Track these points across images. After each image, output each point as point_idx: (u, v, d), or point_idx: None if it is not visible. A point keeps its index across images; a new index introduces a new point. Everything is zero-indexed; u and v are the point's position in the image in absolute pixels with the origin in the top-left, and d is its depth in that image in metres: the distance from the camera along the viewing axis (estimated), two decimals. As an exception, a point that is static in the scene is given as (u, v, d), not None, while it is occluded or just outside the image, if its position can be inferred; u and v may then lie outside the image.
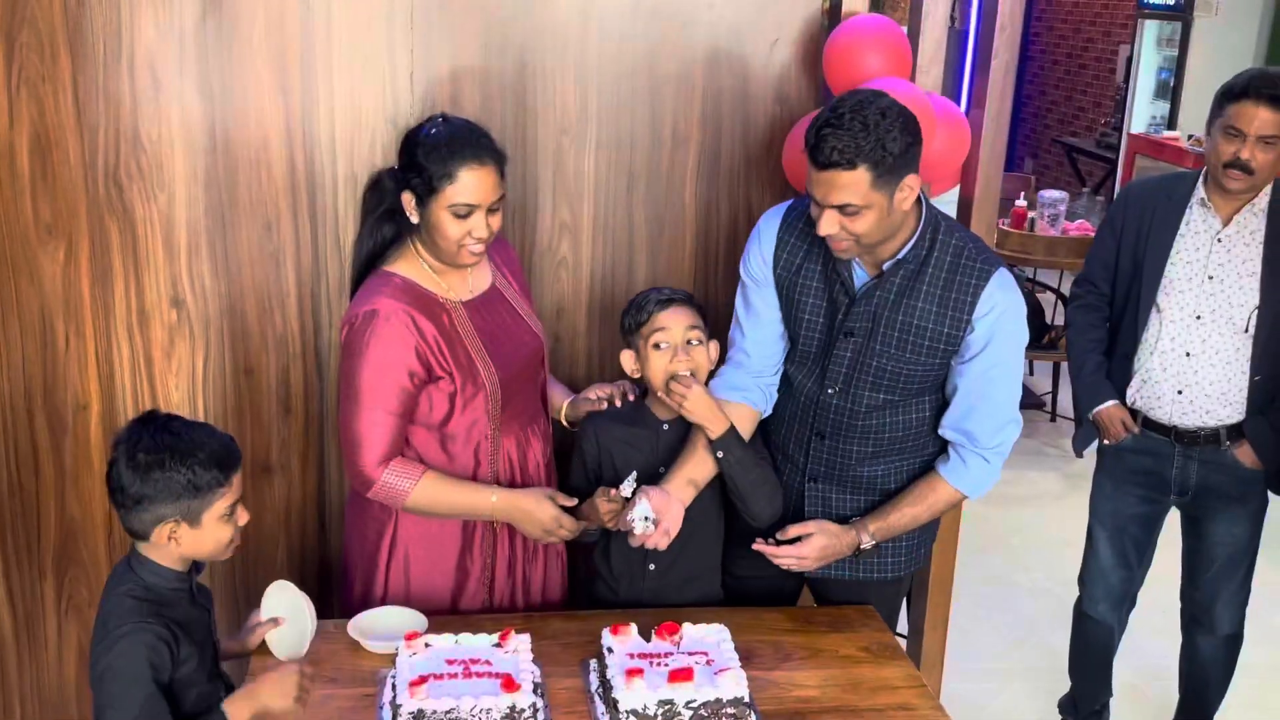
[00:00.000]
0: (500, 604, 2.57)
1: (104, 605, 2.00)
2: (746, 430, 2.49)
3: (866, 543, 2.43)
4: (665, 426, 2.55)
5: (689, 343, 2.45)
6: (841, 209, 2.19)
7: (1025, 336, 2.39)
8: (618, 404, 2.61)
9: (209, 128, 2.71)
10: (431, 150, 2.29)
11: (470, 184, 2.28)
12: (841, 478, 2.48)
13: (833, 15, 2.89)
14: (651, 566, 2.54)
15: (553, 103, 2.84)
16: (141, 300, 2.78)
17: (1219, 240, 2.92)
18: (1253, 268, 2.89)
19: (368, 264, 2.43)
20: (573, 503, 2.44)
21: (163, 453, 1.94)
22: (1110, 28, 9.77)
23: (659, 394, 2.49)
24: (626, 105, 2.88)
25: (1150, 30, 8.81)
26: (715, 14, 2.86)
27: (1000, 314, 2.30)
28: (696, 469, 2.43)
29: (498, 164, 2.32)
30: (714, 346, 2.52)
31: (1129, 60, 8.97)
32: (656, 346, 2.45)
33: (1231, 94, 2.84)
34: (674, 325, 2.45)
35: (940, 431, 2.43)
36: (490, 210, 2.32)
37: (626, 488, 2.37)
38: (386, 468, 2.35)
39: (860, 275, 2.37)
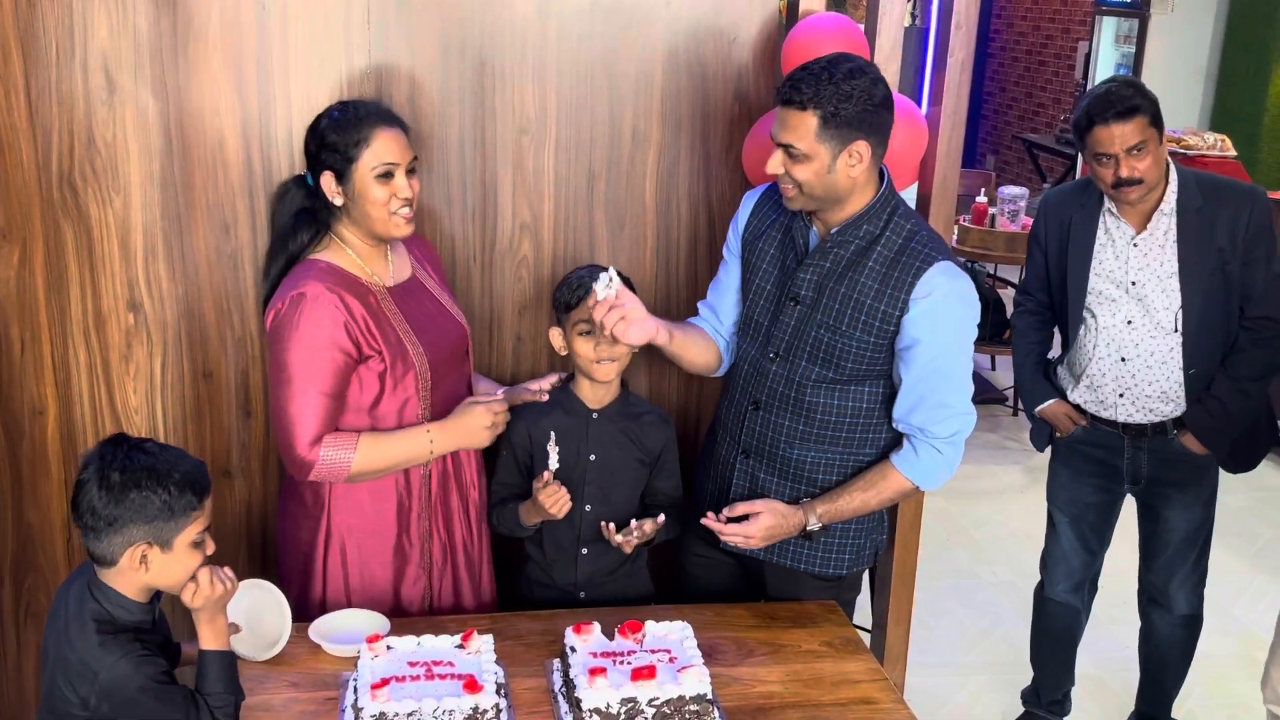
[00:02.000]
0: (441, 587, 2.57)
1: (68, 632, 1.92)
2: (702, 359, 2.59)
3: (813, 524, 2.43)
4: (594, 415, 2.57)
5: None
6: (788, 150, 2.26)
7: (971, 329, 2.37)
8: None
9: (164, 129, 2.69)
10: (341, 124, 2.35)
11: (385, 144, 2.36)
12: (771, 456, 2.48)
13: (790, 14, 2.91)
14: (584, 550, 2.57)
15: (511, 102, 2.84)
16: (98, 304, 2.75)
17: (1134, 245, 2.96)
18: (1171, 269, 2.93)
19: (286, 269, 2.42)
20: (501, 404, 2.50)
21: (138, 473, 1.90)
22: (1069, 24, 9.86)
23: (583, 376, 2.55)
24: (586, 104, 2.88)
25: (1108, 27, 8.91)
26: (673, 13, 2.86)
27: (940, 299, 2.29)
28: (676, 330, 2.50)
29: (404, 127, 2.41)
30: None
31: (1087, 57, 9.07)
32: (582, 333, 2.50)
33: (1081, 127, 2.87)
34: None
35: (894, 424, 2.44)
36: (409, 171, 2.39)
37: (553, 459, 2.42)
38: (321, 446, 2.34)
39: (815, 242, 2.41)
